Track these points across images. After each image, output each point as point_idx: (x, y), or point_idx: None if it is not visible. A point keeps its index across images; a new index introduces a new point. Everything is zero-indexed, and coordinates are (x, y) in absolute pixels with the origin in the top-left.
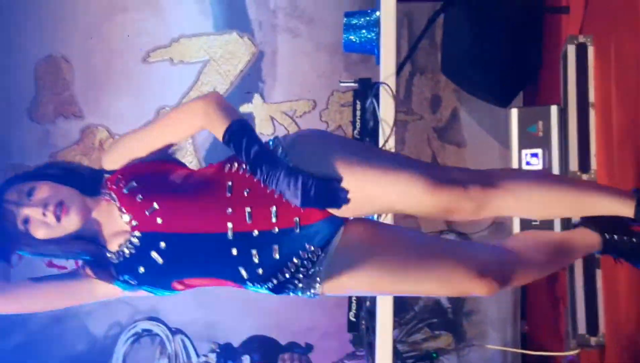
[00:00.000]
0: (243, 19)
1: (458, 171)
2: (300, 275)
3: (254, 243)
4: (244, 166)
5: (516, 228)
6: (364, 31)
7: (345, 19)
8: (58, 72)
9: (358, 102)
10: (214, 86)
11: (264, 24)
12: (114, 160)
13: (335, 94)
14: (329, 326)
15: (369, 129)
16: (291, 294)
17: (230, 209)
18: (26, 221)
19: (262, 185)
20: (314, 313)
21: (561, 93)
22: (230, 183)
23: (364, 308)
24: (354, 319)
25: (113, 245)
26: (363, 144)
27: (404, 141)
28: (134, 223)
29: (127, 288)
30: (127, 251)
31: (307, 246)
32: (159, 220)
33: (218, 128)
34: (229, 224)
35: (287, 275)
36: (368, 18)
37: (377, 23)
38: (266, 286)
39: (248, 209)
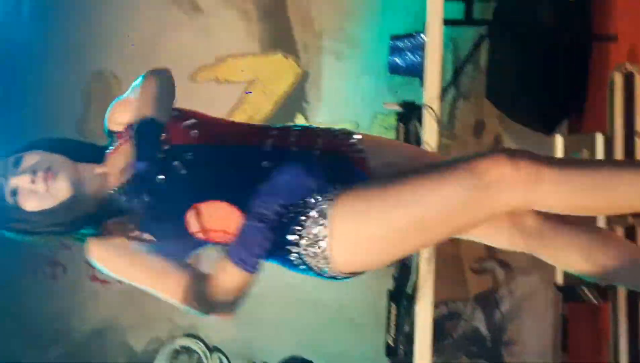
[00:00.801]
0: (289, 40)
1: None
2: (316, 206)
3: (290, 157)
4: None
5: None
6: (409, 54)
7: (391, 41)
8: (107, 88)
9: (401, 125)
10: (259, 106)
11: (309, 45)
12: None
13: (379, 117)
14: (367, 349)
15: None
16: (294, 244)
17: (275, 131)
18: (14, 192)
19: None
20: (352, 336)
21: (607, 121)
22: (279, 126)
23: (403, 333)
24: (392, 344)
25: (124, 177)
26: None
27: None
28: (164, 135)
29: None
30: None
31: (341, 181)
32: (193, 133)
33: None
34: (270, 140)
35: (307, 202)
36: (414, 41)
37: (422, 46)
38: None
39: (295, 132)
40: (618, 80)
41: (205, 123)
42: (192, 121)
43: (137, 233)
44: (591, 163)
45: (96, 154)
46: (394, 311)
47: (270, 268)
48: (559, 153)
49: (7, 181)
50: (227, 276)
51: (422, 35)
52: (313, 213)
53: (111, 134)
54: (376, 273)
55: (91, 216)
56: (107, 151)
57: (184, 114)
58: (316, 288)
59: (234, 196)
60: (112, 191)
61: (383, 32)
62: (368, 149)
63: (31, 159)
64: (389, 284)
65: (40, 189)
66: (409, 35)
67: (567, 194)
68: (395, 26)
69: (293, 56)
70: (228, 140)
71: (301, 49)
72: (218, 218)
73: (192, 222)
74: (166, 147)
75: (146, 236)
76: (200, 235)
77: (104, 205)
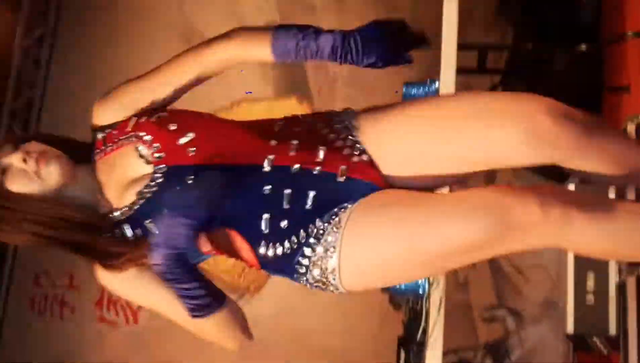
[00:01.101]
0: (303, 86)
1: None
2: (320, 236)
3: (290, 180)
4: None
5: (570, 311)
6: None
7: (404, 88)
8: None
9: None
10: None
11: (324, 90)
12: (112, 113)
13: None
14: None
15: None
16: (302, 274)
17: (274, 142)
18: (4, 170)
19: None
20: None
21: None
22: (281, 122)
23: None
24: None
25: (124, 200)
26: None
27: None
28: (158, 155)
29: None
30: (148, 192)
31: (346, 204)
32: (191, 151)
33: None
34: (270, 156)
35: (310, 233)
36: (427, 89)
37: (436, 94)
38: (281, 250)
39: (295, 141)
40: (631, 131)
41: (203, 137)
42: (190, 136)
43: (145, 261)
44: (626, 206)
45: (89, 155)
46: (403, 358)
47: (278, 316)
48: None
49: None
50: (204, 333)
51: (435, 82)
52: (320, 247)
53: (98, 131)
54: (386, 320)
55: (83, 227)
56: (96, 152)
57: (179, 126)
58: (325, 335)
59: (238, 224)
60: (113, 214)
61: (397, 78)
62: (371, 146)
63: (29, 145)
64: (399, 331)
65: (30, 168)
66: (422, 83)
67: (597, 241)
68: (408, 72)
69: (307, 100)
70: (228, 157)
71: (315, 94)
72: (228, 244)
73: (204, 243)
74: (163, 169)
75: (155, 261)
76: (212, 253)
77: (100, 224)
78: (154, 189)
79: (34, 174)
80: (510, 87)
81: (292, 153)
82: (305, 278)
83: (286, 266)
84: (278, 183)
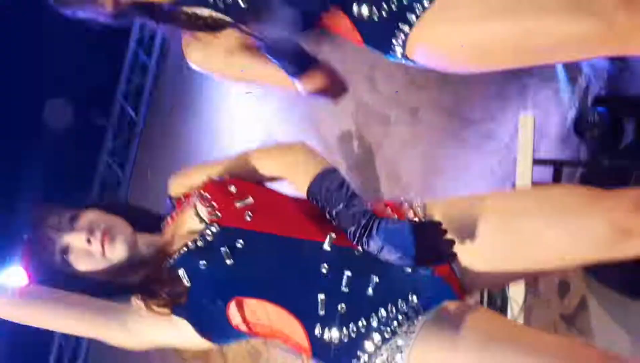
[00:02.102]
0: (374, 192)
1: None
2: (386, 334)
3: (352, 263)
4: None
5: None
6: None
7: None
8: None
9: None
10: None
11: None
12: (184, 189)
13: None
14: None
15: (497, 307)
16: None
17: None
18: (65, 250)
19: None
20: None
21: None
22: None
23: None
24: None
25: (175, 248)
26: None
27: (529, 323)
28: (216, 214)
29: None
30: (192, 245)
31: (411, 296)
32: (247, 216)
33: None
34: (331, 234)
35: (372, 325)
36: None
37: None
38: (337, 336)
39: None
40: None
41: (263, 205)
42: (248, 200)
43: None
44: None
45: (156, 224)
46: None
47: None
48: None
49: (59, 237)
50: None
51: None
52: (385, 346)
53: (171, 200)
54: None
55: (138, 285)
56: (165, 220)
57: (239, 189)
58: None
59: (285, 299)
60: (168, 262)
61: (469, 189)
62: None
63: (89, 217)
64: None
65: (95, 251)
66: None
67: None
68: (480, 185)
69: None
70: (286, 229)
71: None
72: (264, 317)
73: (233, 313)
74: (215, 229)
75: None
76: (243, 328)
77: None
78: (200, 243)
79: (100, 255)
80: None
81: None
82: None
83: (343, 356)
84: (338, 263)
